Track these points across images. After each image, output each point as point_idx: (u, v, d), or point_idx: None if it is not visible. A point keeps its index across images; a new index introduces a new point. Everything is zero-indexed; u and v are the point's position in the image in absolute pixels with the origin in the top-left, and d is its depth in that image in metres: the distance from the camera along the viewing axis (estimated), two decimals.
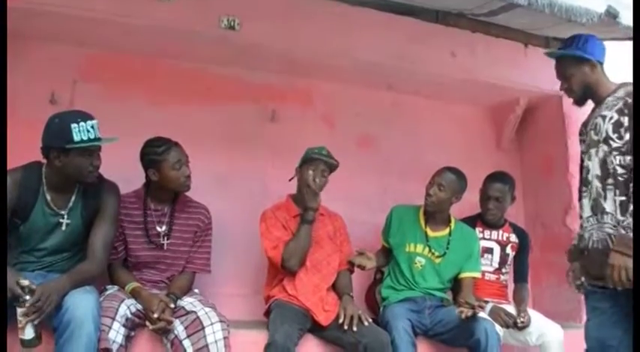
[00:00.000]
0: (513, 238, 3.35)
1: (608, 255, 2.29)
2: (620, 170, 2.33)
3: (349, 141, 3.70)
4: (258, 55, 3.30)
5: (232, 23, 3.07)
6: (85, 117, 2.37)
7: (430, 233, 3.12)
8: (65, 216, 2.45)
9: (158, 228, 2.71)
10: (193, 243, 2.78)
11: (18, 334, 2.10)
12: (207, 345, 2.37)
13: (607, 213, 2.35)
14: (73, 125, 2.32)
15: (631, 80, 2.43)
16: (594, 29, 2.82)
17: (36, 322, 2.11)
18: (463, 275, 3.10)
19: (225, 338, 2.40)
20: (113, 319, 2.28)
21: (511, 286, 3.38)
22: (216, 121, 3.37)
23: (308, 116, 3.65)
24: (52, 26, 2.98)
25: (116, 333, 2.27)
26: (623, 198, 2.31)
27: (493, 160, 3.97)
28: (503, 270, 3.34)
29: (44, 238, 2.43)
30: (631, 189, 2.27)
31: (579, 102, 2.58)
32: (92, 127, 2.36)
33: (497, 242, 3.33)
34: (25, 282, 2.11)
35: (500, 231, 3.35)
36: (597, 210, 2.38)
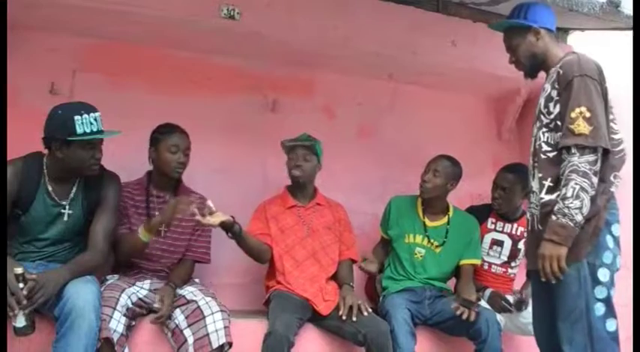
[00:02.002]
0: None
1: (532, 236, 2.28)
2: (544, 147, 2.26)
3: (350, 131, 3.70)
4: (259, 44, 3.28)
5: (232, 12, 3.06)
6: (89, 109, 2.37)
7: (428, 223, 3.12)
8: (67, 207, 2.45)
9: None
10: (193, 231, 2.78)
11: (11, 321, 2.09)
12: (207, 334, 2.38)
13: (533, 192, 2.31)
14: (76, 117, 2.32)
15: (576, 52, 2.35)
16: (596, 19, 2.82)
17: (27, 311, 2.10)
18: (462, 262, 3.11)
19: (225, 327, 2.41)
20: (114, 308, 2.29)
21: (520, 280, 3.33)
22: (217, 111, 3.36)
23: (309, 106, 3.64)
24: (51, 16, 2.97)
25: (117, 323, 2.28)
26: (541, 175, 2.24)
27: (494, 150, 3.98)
28: (513, 264, 3.27)
29: (45, 228, 2.43)
30: (555, 168, 2.19)
31: (529, 73, 2.47)
32: (95, 120, 2.36)
33: (510, 235, 3.24)
34: (19, 270, 2.10)
35: (515, 225, 3.24)
36: (530, 189, 2.36)
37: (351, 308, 2.71)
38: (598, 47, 3.70)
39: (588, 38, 3.74)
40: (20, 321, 2.10)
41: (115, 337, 2.25)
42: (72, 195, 2.47)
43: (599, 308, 2.13)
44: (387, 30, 3.36)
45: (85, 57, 3.21)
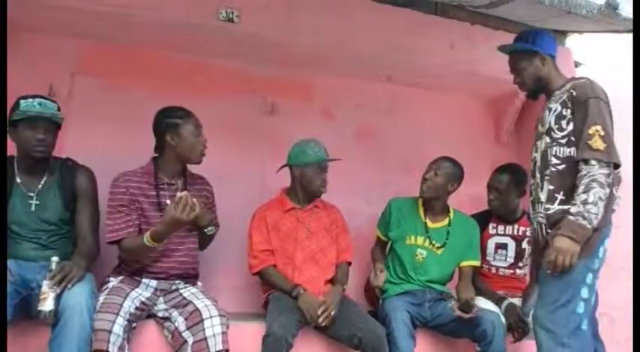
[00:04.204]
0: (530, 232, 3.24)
1: (540, 243, 2.44)
2: (554, 160, 2.42)
3: (348, 133, 3.70)
4: (257, 47, 3.29)
5: (231, 15, 3.07)
6: (39, 97, 2.48)
7: (430, 224, 3.11)
8: (35, 198, 2.50)
9: (169, 203, 2.60)
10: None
11: (38, 306, 2.19)
12: (205, 338, 2.36)
13: (540, 203, 2.46)
14: (22, 101, 2.45)
15: (585, 76, 2.50)
16: (594, 21, 2.82)
17: (59, 291, 2.21)
18: (462, 264, 3.10)
19: (223, 333, 2.39)
20: (117, 314, 2.28)
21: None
22: (215, 114, 3.34)
23: (307, 108, 3.64)
24: (50, 18, 2.97)
25: (120, 327, 2.27)
26: (552, 187, 2.41)
27: (492, 153, 3.98)
28: (520, 264, 3.27)
29: (24, 219, 2.48)
30: (565, 180, 2.37)
31: (532, 95, 2.65)
32: (40, 104, 2.45)
33: (512, 237, 3.25)
34: (55, 258, 2.28)
35: (516, 226, 3.27)
36: (535, 200, 2.51)
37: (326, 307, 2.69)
38: (596, 49, 3.72)
39: (586, 40, 3.75)
40: (49, 305, 2.19)
41: (118, 342, 2.24)
42: (40, 186, 2.53)
43: (581, 307, 2.30)
44: (386, 32, 3.37)
45: (84, 59, 3.22)
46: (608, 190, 2.26)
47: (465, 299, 2.79)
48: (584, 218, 2.23)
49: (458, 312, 2.74)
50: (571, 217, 2.26)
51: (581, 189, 2.27)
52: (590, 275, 2.31)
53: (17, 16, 2.77)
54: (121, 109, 3.05)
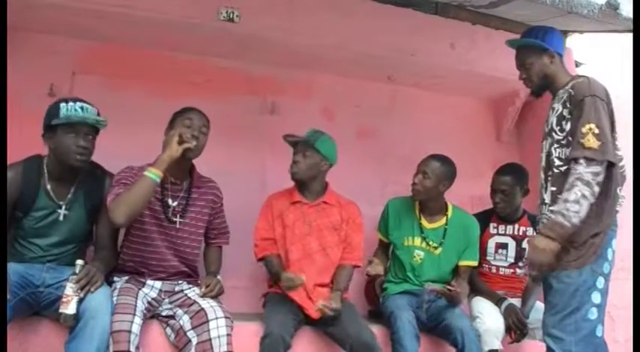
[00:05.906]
0: (531, 232, 3.20)
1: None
2: (557, 162, 2.40)
3: (349, 133, 3.69)
4: (258, 47, 3.29)
5: (231, 15, 3.07)
6: (79, 100, 2.41)
7: (426, 224, 3.09)
8: (63, 207, 2.45)
9: (171, 202, 2.62)
10: (212, 218, 2.75)
11: (60, 308, 2.19)
12: (210, 339, 2.36)
13: (545, 204, 2.44)
14: (62, 104, 2.38)
15: (586, 75, 2.48)
16: (595, 21, 2.82)
17: (82, 295, 2.21)
18: (460, 263, 3.09)
19: (228, 335, 2.39)
20: (134, 314, 2.28)
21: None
22: (215, 113, 3.31)
23: (308, 108, 3.64)
24: (50, 18, 2.97)
25: (138, 327, 2.27)
26: (554, 188, 2.39)
27: (493, 153, 3.98)
28: (520, 264, 3.26)
29: (48, 230, 2.43)
30: (565, 181, 2.31)
31: (537, 92, 2.62)
32: (82, 108, 2.38)
33: (513, 237, 3.24)
34: (80, 262, 2.27)
35: (516, 225, 3.26)
36: (539, 200, 2.49)
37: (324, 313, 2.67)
38: (596, 49, 3.72)
39: (587, 40, 3.75)
40: (72, 308, 2.19)
41: (136, 341, 2.24)
42: (70, 195, 2.47)
43: (593, 312, 2.26)
44: (386, 32, 3.36)
45: (85, 59, 3.22)
46: (596, 188, 2.22)
47: (447, 288, 2.83)
48: (563, 216, 2.21)
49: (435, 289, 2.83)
50: (552, 215, 2.26)
51: (565, 187, 2.26)
52: (600, 279, 2.28)
53: (18, 16, 2.77)
54: (121, 109, 3.04)
